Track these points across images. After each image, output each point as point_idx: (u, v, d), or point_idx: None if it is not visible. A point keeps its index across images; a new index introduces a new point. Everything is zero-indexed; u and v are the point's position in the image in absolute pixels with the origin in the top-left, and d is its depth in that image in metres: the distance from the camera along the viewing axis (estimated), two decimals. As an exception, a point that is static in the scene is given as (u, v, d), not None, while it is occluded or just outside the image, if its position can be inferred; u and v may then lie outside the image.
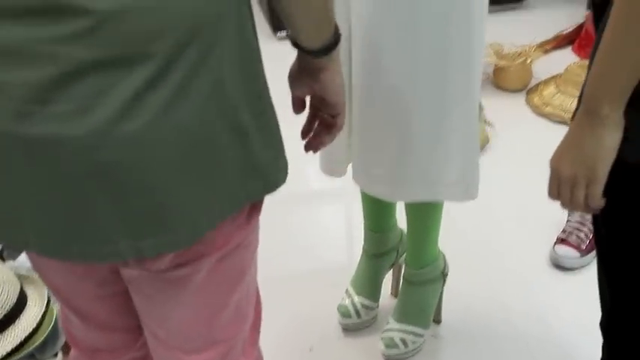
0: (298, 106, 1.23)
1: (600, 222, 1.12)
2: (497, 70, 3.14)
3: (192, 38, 0.90)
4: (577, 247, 2.25)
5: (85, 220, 0.94)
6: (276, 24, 3.54)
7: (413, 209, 1.91)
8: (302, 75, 1.18)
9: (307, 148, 1.27)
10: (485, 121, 2.80)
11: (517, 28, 3.51)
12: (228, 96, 0.96)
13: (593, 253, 2.20)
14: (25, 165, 0.91)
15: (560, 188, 1.05)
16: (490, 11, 1.66)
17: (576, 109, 1.04)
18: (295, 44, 1.13)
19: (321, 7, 1.06)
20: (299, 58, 1.16)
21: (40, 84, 0.87)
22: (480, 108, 2.72)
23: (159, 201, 0.94)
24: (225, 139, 0.97)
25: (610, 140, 0.98)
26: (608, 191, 1.02)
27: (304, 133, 1.26)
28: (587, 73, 1.02)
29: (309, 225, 2.53)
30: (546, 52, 3.39)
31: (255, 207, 1.11)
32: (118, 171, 0.91)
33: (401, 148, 1.69)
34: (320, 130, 1.25)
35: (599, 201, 1.03)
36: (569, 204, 1.05)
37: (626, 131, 0.98)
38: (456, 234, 2.20)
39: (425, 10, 1.53)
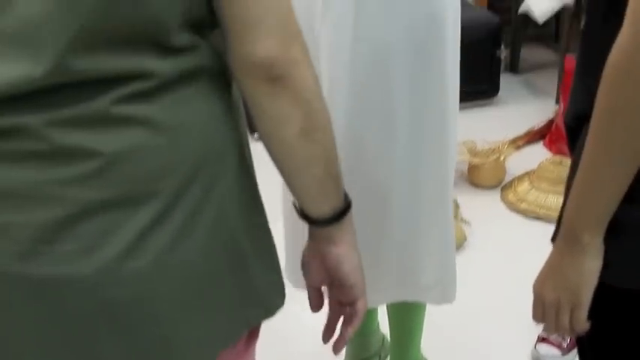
0: (315, 300, 1.13)
1: (586, 343, 1.13)
2: (472, 168, 3.19)
3: (197, 174, 0.92)
4: (558, 346, 2.25)
5: (89, 356, 0.93)
6: (253, 125, 3.57)
7: (395, 312, 1.91)
8: (315, 257, 1.07)
9: (335, 349, 1.12)
10: (461, 219, 2.83)
11: (489, 124, 3.59)
12: (229, 227, 0.97)
13: (575, 351, 2.19)
14: (28, 305, 0.90)
15: (544, 313, 1.05)
16: (461, 108, 1.70)
17: (556, 230, 1.06)
18: (302, 214, 1.03)
19: (322, 171, 0.99)
20: (310, 236, 1.06)
21: (47, 225, 0.87)
22: (456, 206, 2.76)
23: (164, 333, 0.94)
24: (226, 269, 0.98)
25: (591, 266, 0.99)
26: (591, 313, 1.03)
27: (327, 336, 1.13)
28: (565, 198, 1.04)
29: (288, 327, 2.50)
30: (518, 147, 3.45)
31: (253, 333, 1.10)
32: (124, 307, 0.91)
33: (375, 253, 1.69)
34: (341, 325, 1.12)
35: (583, 324, 1.04)
36: (553, 328, 1.05)
37: (605, 254, 1.00)
38: (436, 335, 2.19)
39: (400, 114, 1.57)
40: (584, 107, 0.97)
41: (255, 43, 0.89)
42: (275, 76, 0.91)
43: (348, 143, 1.57)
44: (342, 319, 1.12)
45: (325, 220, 1.02)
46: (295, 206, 1.04)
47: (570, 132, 1.08)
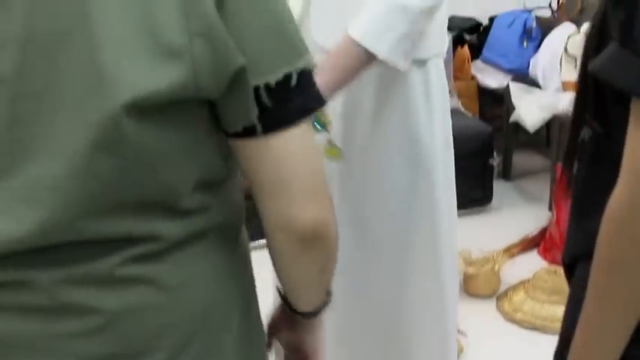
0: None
1: None
2: (467, 278, 3.18)
3: (200, 329, 0.92)
4: None
5: None
6: (251, 233, 3.57)
7: None
8: (281, 324, 1.14)
9: None
10: (457, 330, 2.80)
11: (483, 232, 3.59)
12: None
13: None
14: None
15: None
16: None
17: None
18: (284, 299, 1.08)
19: (323, 289, 1.04)
20: (284, 311, 1.11)
21: None
22: (452, 316, 2.73)
23: None
24: None
25: None
26: None
27: None
28: (563, 327, 1.02)
29: None
30: (512, 256, 3.45)
31: None
32: None
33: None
34: None
35: None
36: None
37: None
38: None
39: (390, 238, 1.57)
40: (580, 249, 0.99)
41: (291, 206, 0.89)
42: (311, 238, 0.91)
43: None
44: None
45: (306, 313, 1.07)
46: (279, 291, 1.07)
47: (568, 267, 1.08)
